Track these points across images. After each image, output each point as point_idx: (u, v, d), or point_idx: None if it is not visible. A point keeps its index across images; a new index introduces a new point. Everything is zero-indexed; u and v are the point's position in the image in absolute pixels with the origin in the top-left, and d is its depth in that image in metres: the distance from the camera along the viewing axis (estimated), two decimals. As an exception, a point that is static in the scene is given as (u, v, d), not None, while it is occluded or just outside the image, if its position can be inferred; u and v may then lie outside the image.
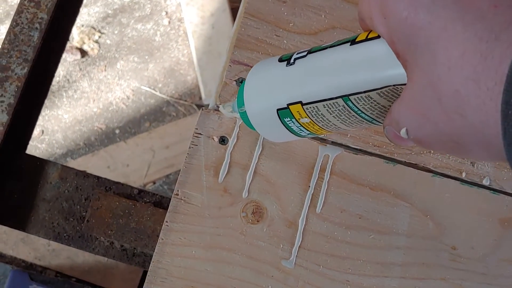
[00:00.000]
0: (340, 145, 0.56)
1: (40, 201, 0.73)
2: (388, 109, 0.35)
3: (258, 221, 0.54)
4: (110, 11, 1.53)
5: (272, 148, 0.56)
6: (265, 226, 0.54)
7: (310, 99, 0.38)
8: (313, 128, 0.40)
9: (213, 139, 0.56)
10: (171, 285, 0.52)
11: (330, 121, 0.38)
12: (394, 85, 0.33)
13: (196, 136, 0.55)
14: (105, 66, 1.49)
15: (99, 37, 1.52)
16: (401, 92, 0.33)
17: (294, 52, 0.40)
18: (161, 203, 0.70)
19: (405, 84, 0.32)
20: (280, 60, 0.41)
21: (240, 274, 0.53)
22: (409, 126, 0.31)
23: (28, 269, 1.30)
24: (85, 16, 1.52)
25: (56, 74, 1.46)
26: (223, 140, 0.56)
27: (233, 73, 0.57)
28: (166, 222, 0.53)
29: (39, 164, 0.74)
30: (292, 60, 0.40)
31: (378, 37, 0.33)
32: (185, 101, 1.45)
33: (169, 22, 1.52)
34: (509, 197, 0.56)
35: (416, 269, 0.54)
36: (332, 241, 0.54)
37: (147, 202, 0.70)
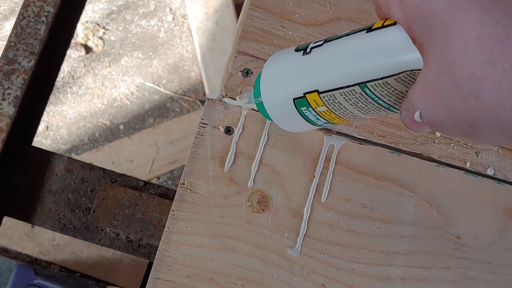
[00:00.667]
0: (345, 135, 0.57)
1: (46, 193, 0.73)
2: (405, 94, 0.35)
3: (263, 210, 0.55)
4: (114, 8, 1.53)
5: (278, 138, 0.56)
6: (270, 215, 0.55)
7: (327, 87, 0.38)
8: (329, 116, 0.40)
9: (219, 129, 0.56)
10: (177, 273, 0.53)
11: (347, 109, 0.39)
12: (411, 70, 0.33)
13: (202, 127, 0.56)
14: (110, 62, 1.50)
15: (104, 33, 1.53)
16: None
17: (311, 42, 0.41)
18: (166, 194, 0.70)
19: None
20: (297, 50, 0.41)
21: (245, 263, 0.53)
22: (423, 109, 0.32)
23: (33, 264, 1.30)
24: (90, 12, 1.52)
25: (61, 70, 1.47)
26: (228, 130, 0.56)
27: (238, 64, 0.57)
28: (173, 211, 0.54)
29: (45, 156, 0.75)
30: (308, 49, 0.40)
31: (394, 24, 0.33)
32: (189, 97, 1.46)
33: (173, 19, 1.53)
34: (513, 187, 0.57)
35: (420, 258, 0.55)
36: (337, 230, 0.55)
37: (152, 194, 0.70)
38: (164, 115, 1.46)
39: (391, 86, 0.35)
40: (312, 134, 0.56)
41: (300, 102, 0.40)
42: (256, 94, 0.45)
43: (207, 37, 1.44)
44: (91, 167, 0.74)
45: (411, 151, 0.57)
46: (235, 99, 0.56)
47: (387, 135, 0.56)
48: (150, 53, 1.50)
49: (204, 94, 1.46)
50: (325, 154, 0.56)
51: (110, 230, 0.71)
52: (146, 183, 0.72)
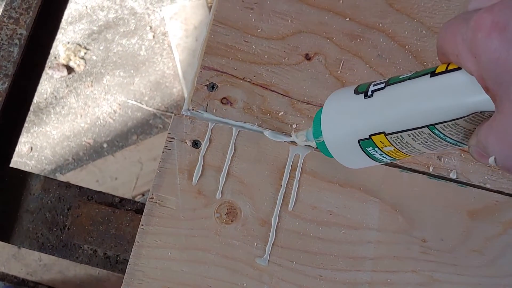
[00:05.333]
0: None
1: (24, 212, 0.74)
2: (473, 131, 0.37)
3: (232, 221, 0.56)
4: (95, 28, 1.55)
5: (245, 150, 0.57)
6: (239, 225, 0.56)
7: (394, 129, 0.39)
8: (396, 154, 0.42)
9: (186, 143, 0.57)
10: (147, 287, 0.54)
11: (414, 147, 0.40)
12: (481, 111, 0.35)
13: (169, 141, 0.57)
14: (92, 81, 1.51)
15: (85, 53, 1.54)
16: (486, 116, 0.35)
17: (370, 84, 0.42)
18: (142, 210, 0.71)
19: (492, 112, 0.34)
20: (356, 92, 0.43)
21: (215, 273, 0.54)
22: (498, 155, 0.33)
23: (20, 285, 1.30)
24: (71, 33, 1.54)
25: (44, 91, 1.48)
26: (196, 144, 0.57)
27: (204, 79, 0.59)
28: (142, 225, 0.55)
29: (22, 176, 0.76)
30: (370, 93, 0.41)
31: (459, 68, 0.35)
32: (172, 113, 1.47)
33: (153, 37, 1.54)
34: (476, 189, 0.58)
35: (387, 262, 0.56)
36: (304, 237, 0.56)
37: (128, 210, 0.71)
38: (147, 132, 1.47)
39: (460, 126, 0.36)
40: (278, 145, 0.57)
41: (366, 143, 0.42)
42: (316, 134, 0.47)
43: (187, 54, 1.46)
44: (67, 185, 0.75)
45: (375, 158, 0.58)
46: (291, 135, 0.57)
47: (351, 143, 0.58)
48: (132, 71, 1.51)
49: (187, 109, 1.47)
50: (291, 164, 0.57)
51: (88, 247, 0.71)
52: (122, 199, 0.73)
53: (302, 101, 0.59)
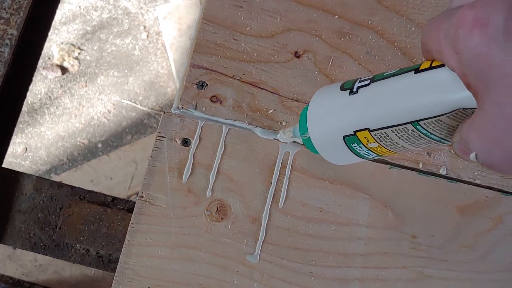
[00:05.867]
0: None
1: (16, 212, 0.74)
2: (456, 128, 0.37)
3: (222, 218, 0.56)
4: (89, 28, 1.55)
5: (234, 148, 0.57)
6: (229, 223, 0.56)
7: (378, 125, 0.40)
8: (380, 151, 0.42)
9: (176, 141, 0.57)
10: (138, 285, 0.54)
11: (398, 144, 0.40)
12: (463, 108, 0.35)
13: (159, 139, 0.57)
14: (86, 82, 1.51)
15: (79, 53, 1.54)
16: (469, 113, 0.35)
17: (355, 80, 0.42)
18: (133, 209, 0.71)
19: (474, 108, 0.34)
20: (342, 89, 0.43)
21: (206, 271, 0.54)
22: (480, 151, 0.34)
23: (16, 286, 1.30)
24: (65, 33, 1.54)
25: (38, 91, 1.48)
26: (185, 142, 0.57)
27: (193, 77, 0.59)
28: (132, 224, 0.55)
29: (14, 176, 0.76)
30: (355, 89, 0.42)
31: (442, 65, 0.35)
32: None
33: (147, 36, 1.54)
34: (466, 185, 0.58)
35: (377, 259, 0.56)
36: (294, 234, 0.56)
37: (120, 209, 0.71)
38: (141, 132, 1.47)
39: (443, 123, 0.37)
40: (268, 142, 0.58)
41: (351, 139, 0.42)
42: (303, 130, 0.47)
43: (181, 53, 1.46)
44: (59, 185, 0.75)
45: (364, 154, 0.58)
46: (278, 133, 0.57)
47: (340, 140, 0.58)
48: (126, 71, 1.51)
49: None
50: (281, 161, 0.57)
51: (80, 247, 0.72)
52: (114, 198, 0.73)
53: (291, 99, 0.59)
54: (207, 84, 0.59)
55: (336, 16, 0.61)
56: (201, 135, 0.57)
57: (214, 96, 0.58)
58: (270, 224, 0.56)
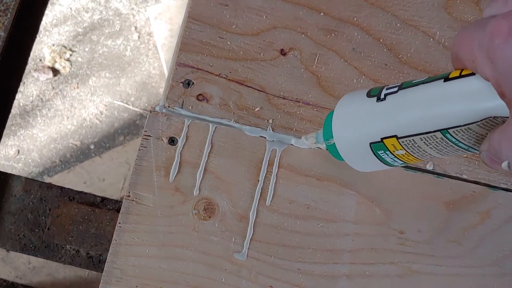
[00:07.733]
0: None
1: (5, 214, 0.74)
2: (484, 136, 0.37)
3: (210, 217, 0.56)
4: (80, 29, 1.55)
5: (221, 146, 0.57)
6: (217, 221, 0.56)
7: (406, 133, 0.40)
8: (407, 158, 0.42)
9: (163, 140, 0.57)
10: (126, 284, 0.54)
11: (426, 152, 0.40)
12: (494, 117, 0.35)
13: (145, 138, 0.57)
14: (78, 83, 1.51)
15: (70, 55, 1.54)
16: (499, 121, 0.35)
17: (382, 87, 0.42)
18: (123, 209, 0.71)
19: (506, 117, 0.34)
20: (369, 95, 0.43)
21: (193, 270, 0.54)
22: None
23: (9, 289, 1.30)
24: (56, 35, 1.54)
25: (30, 93, 1.47)
26: (172, 141, 0.57)
27: (179, 76, 0.59)
28: (119, 223, 0.55)
29: (3, 178, 0.75)
30: (382, 96, 0.42)
31: (472, 74, 0.35)
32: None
33: (138, 37, 1.54)
34: (453, 180, 0.58)
35: (365, 255, 0.56)
36: (282, 231, 0.56)
37: (110, 209, 0.71)
38: (134, 133, 1.47)
39: (472, 131, 0.37)
40: (255, 140, 0.58)
41: (377, 146, 0.42)
42: (327, 136, 0.47)
43: (172, 53, 1.46)
44: (48, 186, 0.75)
45: (351, 151, 0.58)
46: (300, 138, 0.57)
47: (327, 137, 0.58)
48: (118, 72, 1.51)
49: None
50: (268, 159, 0.57)
51: (70, 247, 0.71)
52: (104, 199, 0.73)
53: (278, 96, 0.59)
54: (193, 83, 0.59)
55: (322, 13, 0.61)
56: (187, 133, 0.57)
57: (200, 94, 0.58)
58: (257, 221, 0.56)
